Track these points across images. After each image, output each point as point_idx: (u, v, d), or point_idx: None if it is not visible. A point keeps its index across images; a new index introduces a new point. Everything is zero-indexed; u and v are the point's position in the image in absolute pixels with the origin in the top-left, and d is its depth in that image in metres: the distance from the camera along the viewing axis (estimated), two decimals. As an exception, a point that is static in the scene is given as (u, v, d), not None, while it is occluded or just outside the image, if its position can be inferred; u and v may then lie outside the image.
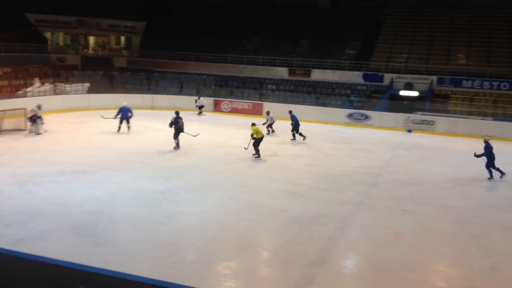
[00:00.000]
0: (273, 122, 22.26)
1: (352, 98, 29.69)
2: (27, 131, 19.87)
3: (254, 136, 17.00)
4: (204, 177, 14.44)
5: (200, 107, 28.13)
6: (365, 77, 30.31)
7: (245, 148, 17.42)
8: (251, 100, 29.81)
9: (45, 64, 31.10)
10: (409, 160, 18.31)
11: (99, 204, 11.45)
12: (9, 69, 28.02)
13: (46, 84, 27.55)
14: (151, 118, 24.77)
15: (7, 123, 19.85)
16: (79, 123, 22.97)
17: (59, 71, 30.87)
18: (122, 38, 41.26)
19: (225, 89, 32.13)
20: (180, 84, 32.65)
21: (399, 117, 25.92)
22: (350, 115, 26.95)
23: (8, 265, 6.03)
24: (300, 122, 21.07)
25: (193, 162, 16.22)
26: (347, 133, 24.04)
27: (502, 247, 9.94)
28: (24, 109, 20.33)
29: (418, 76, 29.04)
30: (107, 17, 36.60)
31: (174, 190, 12.85)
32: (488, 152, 15.75)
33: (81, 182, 13.18)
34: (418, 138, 23.55)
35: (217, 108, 29.58)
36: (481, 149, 15.89)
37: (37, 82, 27.13)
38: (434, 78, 28.68)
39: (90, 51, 38.79)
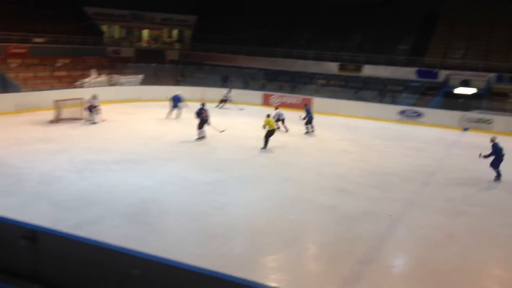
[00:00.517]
0: (283, 119, 21.39)
1: (404, 94, 28.96)
2: (83, 120, 20.67)
3: (266, 127, 17.39)
4: (252, 170, 14.54)
5: (223, 101, 27.28)
6: (419, 73, 29.46)
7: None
8: (300, 94, 29.66)
9: (101, 56, 32.21)
10: (464, 159, 17.68)
11: (151, 193, 11.77)
12: (68, 60, 29.21)
13: (102, 75, 28.51)
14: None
15: (66, 112, 20.70)
16: (132, 114, 23.65)
17: (114, 63, 31.89)
18: (175, 31, 42.06)
19: (275, 84, 32.12)
20: (224, 78, 32.87)
21: (454, 115, 25.05)
22: (402, 112, 26.31)
23: (68, 248, 6.33)
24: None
25: (241, 155, 16.36)
26: (398, 130, 23.50)
27: None
28: (81, 99, 21.15)
29: (476, 73, 27.91)
30: (160, 11, 37.42)
31: (223, 182, 13.01)
32: (496, 152, 14.78)
33: (134, 171, 13.59)
34: (474, 137, 22.66)
35: (266, 102, 29.62)
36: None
37: (93, 73, 28.13)
38: (493, 75, 27.49)
39: (144, 44, 39.80)
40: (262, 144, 17.20)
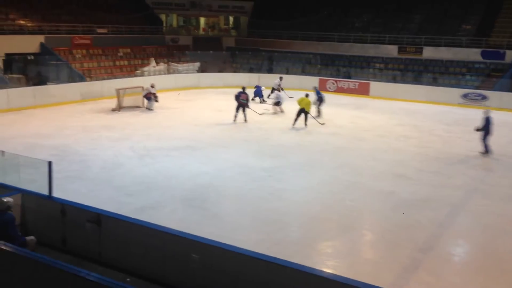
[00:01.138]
0: (279, 101, 21.41)
1: (468, 77, 27.69)
2: (143, 108, 21.33)
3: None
4: (308, 156, 14.50)
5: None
6: (484, 54, 27.99)
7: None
8: (357, 79, 29.09)
9: (160, 45, 32.96)
10: (532, 144, 16.76)
11: (208, 178, 12.03)
12: (128, 50, 30.16)
13: (160, 64, 29.24)
14: (257, 97, 25.23)
15: (127, 100, 21.45)
16: (190, 101, 24.14)
17: (173, 51, 32.58)
18: (231, 18, 42.31)
19: (331, 68, 31.66)
20: (270, 63, 32.78)
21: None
22: (465, 95, 25.20)
23: (131, 232, 6.65)
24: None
25: (297, 141, 16.34)
26: (461, 114, 22.55)
27: None
28: (142, 87, 21.82)
29: (547, 52, 26.20)
30: (217, -2, 37.80)
31: (279, 168, 13.07)
32: (487, 126, 14.80)
33: (192, 158, 13.93)
34: (544, 120, 21.40)
35: (322, 87, 29.28)
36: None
37: (153, 62, 28.90)
38: None
39: (201, 32, 40.34)
40: (319, 130, 17.16)
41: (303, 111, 18.12)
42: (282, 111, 21.13)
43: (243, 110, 18.96)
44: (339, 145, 15.86)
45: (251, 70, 32.33)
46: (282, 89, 24.08)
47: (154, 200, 10.44)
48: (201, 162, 13.45)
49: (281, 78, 25.34)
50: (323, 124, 18.81)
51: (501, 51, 27.43)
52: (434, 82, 27.61)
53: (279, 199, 10.82)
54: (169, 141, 15.72)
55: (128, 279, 6.35)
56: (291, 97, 22.49)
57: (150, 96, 21.21)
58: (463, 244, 9.11)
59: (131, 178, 11.91)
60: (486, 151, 14.88)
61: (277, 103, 21.32)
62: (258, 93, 24.10)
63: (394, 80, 28.61)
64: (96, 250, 6.90)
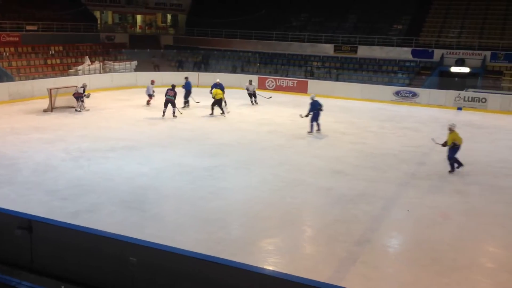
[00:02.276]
0: (253, 93, 23.02)
1: (400, 75, 28.91)
2: (75, 108, 20.47)
3: (214, 96, 20.15)
4: (248, 154, 14.57)
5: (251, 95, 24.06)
6: (414, 53, 29.35)
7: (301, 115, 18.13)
8: (296, 77, 29.56)
9: (95, 42, 31.90)
10: (459, 139, 17.73)
11: (147, 179, 11.80)
12: (61, 48, 28.95)
13: (95, 62, 28.31)
14: (197, 96, 25.01)
15: (60, 101, 20.60)
16: (127, 100, 23.56)
17: (108, 50, 31.63)
18: (169, 16, 41.69)
19: (270, 67, 31.99)
20: (206, 61, 32.81)
21: (449, 95, 25.05)
22: (397, 93, 26.28)
23: (65, 237, 6.37)
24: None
25: (238, 139, 16.37)
26: (394, 111, 23.50)
27: (557, 230, 9.57)
28: (75, 86, 21.02)
29: (471, 51, 27.84)
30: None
31: (220, 167, 13.04)
32: (312, 109, 17.47)
33: (130, 158, 13.59)
34: (469, 116, 22.72)
35: (261, 85, 29.51)
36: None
37: (87, 60, 27.92)
38: (488, 53, 27.43)
39: (138, 30, 39.45)
40: (260, 128, 17.30)
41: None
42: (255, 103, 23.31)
43: (173, 106, 19.43)
44: (279, 143, 16.05)
45: (191, 69, 32.00)
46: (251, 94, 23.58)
47: (90, 203, 10.09)
48: (139, 163, 13.15)
49: (250, 82, 23.94)
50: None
51: (430, 50, 28.87)
52: (369, 80, 28.58)
53: (220, 198, 10.79)
54: (105, 142, 15.25)
55: (62, 286, 6.09)
56: (270, 97, 23.40)
57: (78, 96, 20.31)
58: (396, 235, 9.48)
59: (65, 181, 11.44)
60: (311, 131, 17.44)
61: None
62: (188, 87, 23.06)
63: (331, 78, 29.33)
64: (27, 257, 6.56)
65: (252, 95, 23.54)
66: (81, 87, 20.45)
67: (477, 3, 31.30)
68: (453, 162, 13.19)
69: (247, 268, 5.47)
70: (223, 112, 20.22)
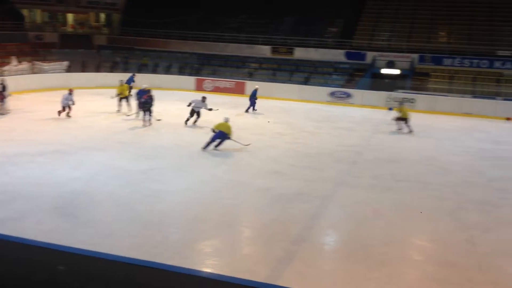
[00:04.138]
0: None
1: (334, 76, 29.75)
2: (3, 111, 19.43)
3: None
4: (186, 156, 14.43)
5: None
6: (348, 55, 30.33)
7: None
8: (233, 79, 29.65)
9: (23, 42, 30.41)
10: (389, 138, 18.53)
11: (80, 184, 11.37)
12: (-15, 47, 27.37)
13: (23, 62, 26.97)
14: (132, 98, 24.48)
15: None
16: (58, 103, 22.56)
17: (37, 49, 30.24)
18: (102, 15, 40.46)
19: (208, 68, 31.88)
20: (143, 62, 32.29)
21: (381, 95, 26.11)
22: (332, 94, 27.03)
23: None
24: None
25: (176, 142, 16.17)
26: (329, 112, 24.15)
27: (478, 222, 10.21)
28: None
29: (400, 54, 29.17)
30: (86, -6, 35.87)
31: (157, 170, 12.81)
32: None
33: (62, 162, 13.05)
34: (399, 116, 23.75)
35: (199, 87, 29.36)
36: (460, 127, 16.08)
37: (14, 61, 26.55)
38: (416, 56, 28.86)
39: (69, 29, 37.99)
40: (196, 130, 17.15)
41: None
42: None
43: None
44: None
45: (126, 70, 31.24)
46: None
47: (17, 210, 9.56)
48: (71, 167, 12.65)
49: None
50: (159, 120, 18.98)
51: (362, 52, 29.94)
52: (305, 81, 29.18)
53: (157, 201, 10.60)
54: (34, 146, 14.55)
55: (-14, 300, 5.74)
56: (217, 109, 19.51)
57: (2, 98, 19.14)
58: (332, 233, 9.74)
59: (-11, 188, 10.79)
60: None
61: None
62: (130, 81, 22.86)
63: (268, 79, 29.68)
64: None
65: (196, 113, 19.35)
66: (0, 84, 19.26)
67: (406, 8, 32.84)
68: None
69: (183, 271, 5.40)
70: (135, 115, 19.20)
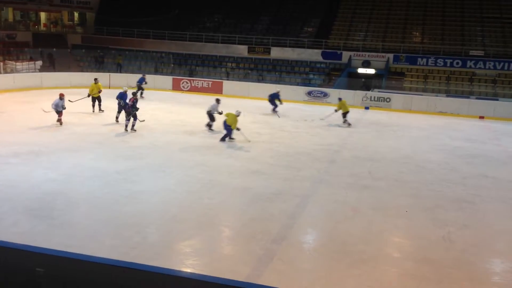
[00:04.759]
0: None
1: (311, 76, 29.92)
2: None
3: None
4: (164, 156, 14.32)
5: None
6: (324, 55, 30.56)
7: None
8: (210, 78, 29.55)
9: (-6, 41, 29.73)
10: (366, 136, 18.73)
11: (56, 185, 11.17)
12: (-46, 47, 26.65)
13: (-5, 62, 26.39)
14: (108, 98, 24.14)
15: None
16: (32, 103, 22.15)
17: (9, 48, 29.57)
18: (76, 14, 39.79)
19: (184, 68, 31.70)
20: (117, 62, 31.89)
21: (357, 95, 26.37)
22: (309, 93, 27.18)
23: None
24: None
25: (153, 142, 16.02)
26: (306, 111, 24.26)
27: (454, 218, 10.39)
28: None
29: (375, 53, 29.55)
30: (59, -8, 35.23)
31: (134, 170, 12.67)
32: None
33: (36, 164, 12.79)
34: (375, 115, 24.08)
35: (176, 87, 29.16)
36: (435, 125, 16.40)
37: (-15, 60, 25.95)
38: (391, 56, 29.27)
39: (42, 28, 37.24)
40: (175, 129, 17.00)
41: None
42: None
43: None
44: (195, 144, 15.93)
45: (99, 69, 30.83)
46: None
47: (-8, 213, 9.35)
48: (47, 168, 12.41)
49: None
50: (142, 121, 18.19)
51: (338, 52, 30.22)
52: (282, 81, 29.28)
53: (136, 202, 10.48)
54: (7, 147, 14.22)
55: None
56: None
57: None
58: (311, 231, 9.79)
59: (-39, 190, 10.50)
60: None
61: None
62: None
63: (245, 79, 29.66)
64: None
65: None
66: None
67: (380, 8, 33.29)
68: None
69: (163, 271, 5.34)
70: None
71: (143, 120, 18.19)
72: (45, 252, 5.56)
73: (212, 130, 17.94)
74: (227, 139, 16.30)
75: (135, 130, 17.15)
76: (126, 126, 17.11)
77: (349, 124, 20.36)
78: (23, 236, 8.08)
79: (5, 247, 5.76)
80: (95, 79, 20.87)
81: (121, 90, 18.73)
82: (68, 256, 5.46)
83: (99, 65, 31.59)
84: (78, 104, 20.14)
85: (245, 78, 29.72)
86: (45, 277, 5.32)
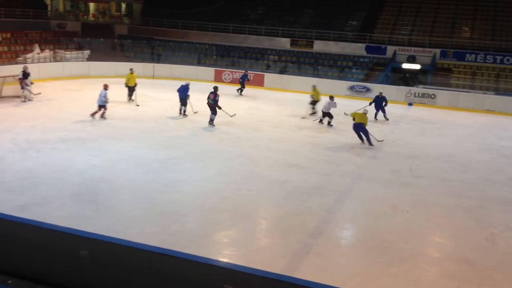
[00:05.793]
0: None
1: (354, 70, 29.48)
2: (21, 98, 19.59)
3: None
4: (204, 147, 14.50)
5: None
6: (368, 49, 30.00)
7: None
8: (252, 70, 29.57)
9: (45, 30, 30.74)
10: (409, 133, 18.33)
11: (100, 171, 11.53)
12: (9, 35, 27.75)
13: (46, 50, 27.30)
14: (152, 88, 24.64)
15: (7, 90, 19.74)
16: (80, 91, 22.87)
17: (59, 38, 30.57)
18: (123, 5, 40.69)
19: (227, 59, 31.86)
20: (158, 51, 32.22)
21: (401, 90, 25.77)
22: (351, 88, 26.79)
23: (12, 231, 6.14)
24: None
25: (194, 132, 16.25)
26: (348, 106, 23.88)
27: (499, 220, 10.07)
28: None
29: (421, 48, 28.75)
30: (107, -17, 36.10)
31: (175, 159, 12.91)
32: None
33: (82, 150, 13.23)
34: (419, 111, 23.49)
35: (218, 78, 29.36)
36: (482, 124, 15.86)
37: (37, 49, 26.88)
38: (437, 51, 28.40)
39: (91, 18, 38.30)
40: (216, 121, 17.16)
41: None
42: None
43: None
44: (235, 136, 16.05)
45: (145, 59, 31.40)
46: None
47: (39, 196, 9.76)
48: (91, 155, 12.82)
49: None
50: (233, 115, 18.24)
51: (383, 46, 29.59)
52: (324, 75, 28.98)
53: (175, 190, 10.69)
54: (56, 133, 14.77)
55: (9, 281, 5.88)
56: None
57: (23, 85, 19.26)
58: (349, 227, 9.72)
59: (12, 173, 11.00)
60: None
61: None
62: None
63: (287, 71, 29.54)
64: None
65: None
66: (21, 71, 19.46)
67: (428, 2, 32.31)
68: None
69: (200, 260, 5.47)
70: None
71: (196, 112, 18.45)
72: (89, 236, 5.79)
73: (331, 125, 18.35)
74: (366, 139, 15.75)
75: (214, 125, 17.12)
76: (212, 120, 17.16)
77: (314, 113, 19.94)
78: (68, 219, 8.38)
79: (51, 230, 6.04)
80: (131, 69, 21.22)
81: (183, 83, 18.77)
82: (110, 240, 5.67)
83: (156, 56, 32.02)
84: (122, 93, 20.63)
85: (282, 71, 29.51)
86: (88, 259, 5.55)
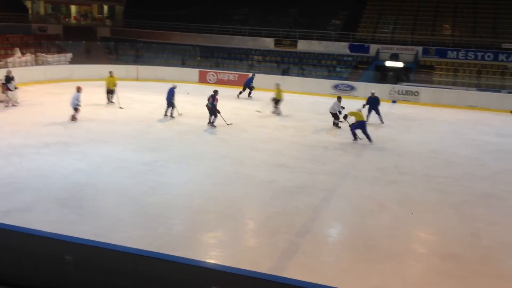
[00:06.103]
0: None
1: (338, 69, 29.63)
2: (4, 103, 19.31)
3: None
4: (190, 148, 14.45)
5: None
6: (351, 48, 30.18)
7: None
8: (237, 71, 29.56)
9: (26, 34, 30.37)
10: (393, 130, 18.49)
11: (85, 176, 11.42)
12: (-12, 39, 27.37)
13: (27, 54, 26.96)
14: (137, 90, 24.51)
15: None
16: (62, 94, 22.53)
17: (41, 41, 30.21)
18: (105, 7, 40.36)
19: (211, 60, 31.80)
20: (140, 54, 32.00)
21: (385, 88, 25.96)
22: (335, 86, 26.94)
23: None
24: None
25: (179, 134, 16.18)
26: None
27: (482, 215, 10.20)
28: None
29: (404, 46, 29.01)
30: (89, -15, 35.78)
31: (160, 162, 12.84)
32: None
33: (66, 154, 13.09)
34: (403, 109, 23.71)
35: (202, 79, 29.31)
36: (464, 120, 16.05)
37: (17, 52, 26.54)
38: (420, 48, 28.69)
39: (72, 21, 37.92)
40: (201, 122, 17.12)
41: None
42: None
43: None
44: (220, 137, 16.03)
45: (128, 62, 31.18)
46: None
47: (23, 201, 9.63)
48: (76, 159, 12.70)
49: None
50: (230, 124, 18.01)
51: (366, 45, 29.79)
52: (308, 74, 29.09)
53: (161, 193, 10.64)
54: (39, 137, 14.60)
55: (-7, 289, 5.79)
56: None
57: (3, 89, 18.95)
58: (336, 225, 9.76)
59: (-5, 179, 10.85)
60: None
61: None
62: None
63: (272, 72, 29.57)
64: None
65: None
66: (4, 76, 19.18)
67: (409, 0, 32.61)
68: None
69: (187, 262, 5.44)
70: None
71: (181, 114, 18.41)
72: (74, 240, 5.72)
73: (339, 127, 18.20)
74: (366, 136, 15.91)
75: (215, 126, 17.20)
76: (213, 122, 17.25)
77: (278, 114, 20.22)
78: (53, 224, 8.30)
79: (35, 235, 5.95)
80: (110, 72, 21.11)
81: (171, 86, 18.64)
82: (95, 245, 5.61)
83: (140, 58, 31.78)
84: (103, 97, 20.48)
85: (273, 71, 29.55)
86: (73, 264, 5.48)
